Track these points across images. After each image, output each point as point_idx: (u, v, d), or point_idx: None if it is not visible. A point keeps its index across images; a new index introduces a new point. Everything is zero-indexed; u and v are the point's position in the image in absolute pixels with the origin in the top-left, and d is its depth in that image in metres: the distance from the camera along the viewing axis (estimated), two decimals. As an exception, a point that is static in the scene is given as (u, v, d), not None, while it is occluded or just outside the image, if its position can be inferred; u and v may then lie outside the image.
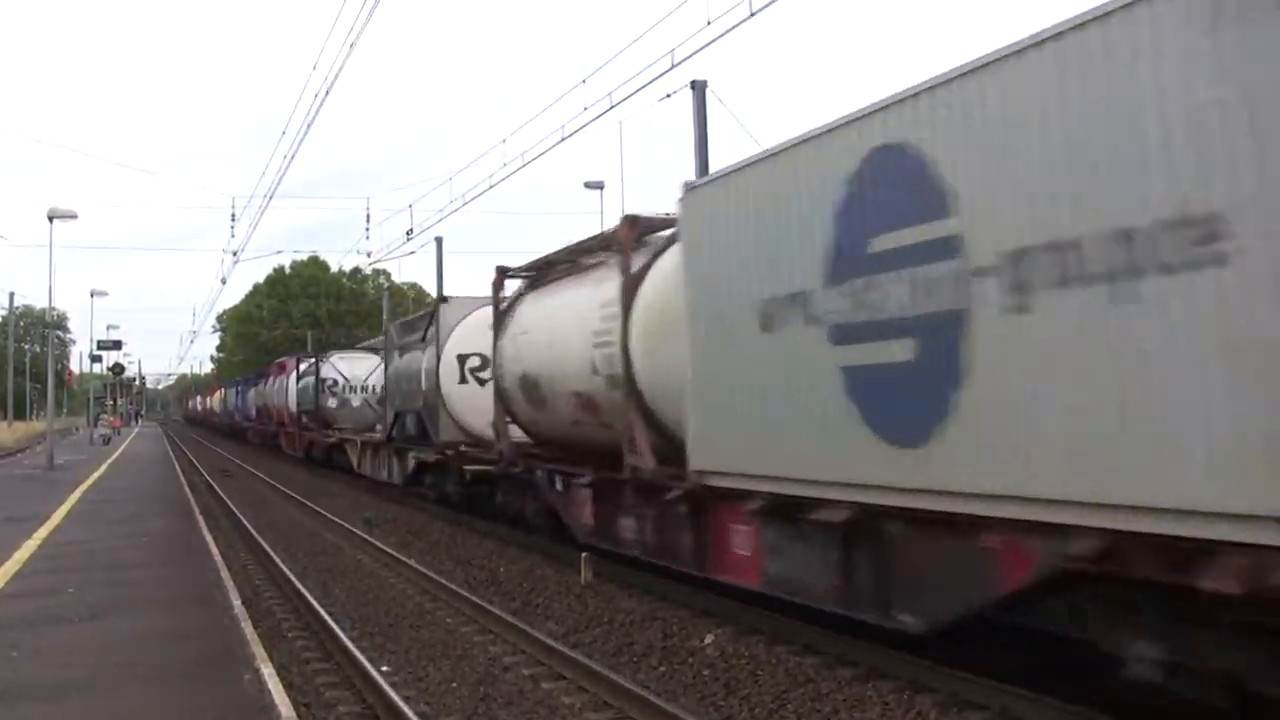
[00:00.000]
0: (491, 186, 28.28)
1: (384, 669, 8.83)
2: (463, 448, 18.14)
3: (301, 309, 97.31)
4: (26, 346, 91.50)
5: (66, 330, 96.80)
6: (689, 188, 10.28)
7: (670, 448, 10.66)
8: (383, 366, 26.14)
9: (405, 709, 7.44)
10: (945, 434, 6.92)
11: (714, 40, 14.95)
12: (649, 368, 11.06)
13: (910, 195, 7.20)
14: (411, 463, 21.60)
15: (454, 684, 8.64)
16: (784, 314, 8.57)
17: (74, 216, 32.48)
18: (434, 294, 42.37)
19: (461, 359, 18.16)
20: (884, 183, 7.50)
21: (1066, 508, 6.11)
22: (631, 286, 11.48)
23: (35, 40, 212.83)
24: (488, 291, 16.78)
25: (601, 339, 12.09)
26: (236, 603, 10.59)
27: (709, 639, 9.58)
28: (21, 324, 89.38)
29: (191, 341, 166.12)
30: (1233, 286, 5.23)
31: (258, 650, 8.54)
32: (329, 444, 31.94)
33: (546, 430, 14.71)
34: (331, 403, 32.87)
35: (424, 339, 20.49)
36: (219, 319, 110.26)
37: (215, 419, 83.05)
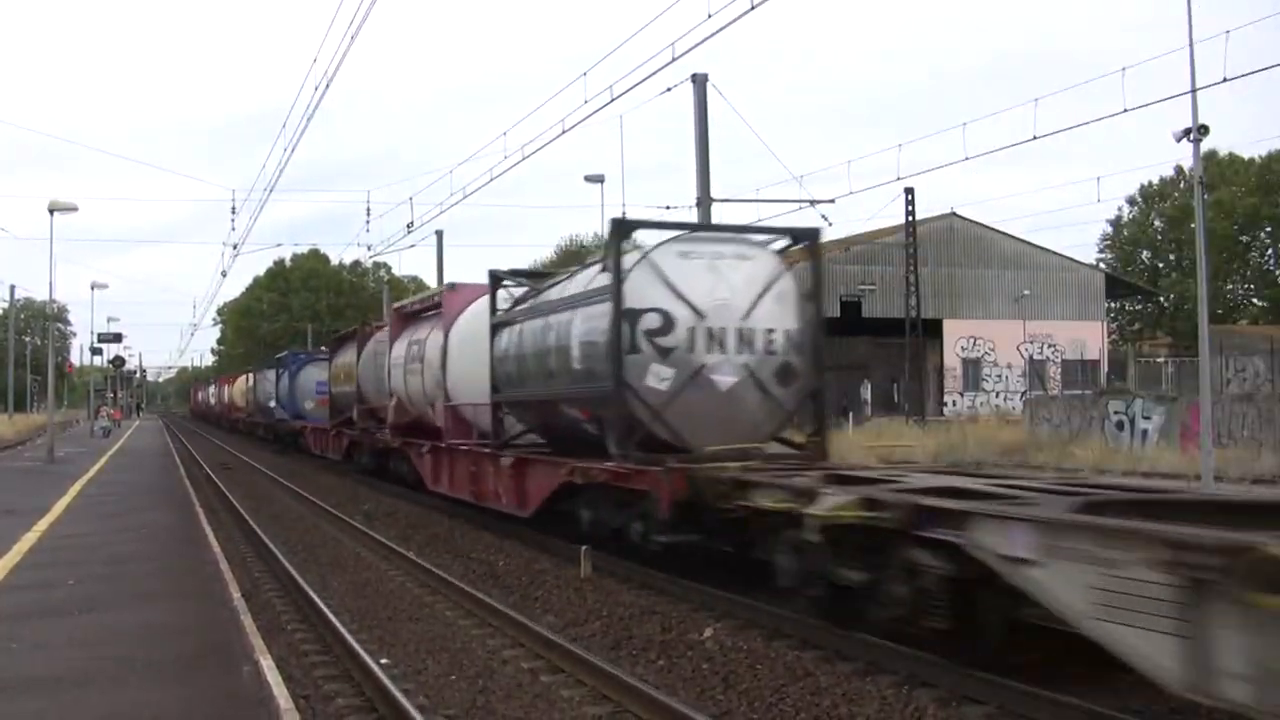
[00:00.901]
0: (492, 179, 28.38)
1: (383, 662, 8.82)
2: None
3: (302, 302, 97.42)
4: (27, 339, 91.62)
5: (67, 323, 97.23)
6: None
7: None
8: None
9: (404, 702, 7.44)
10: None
11: (715, 33, 15.01)
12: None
13: None
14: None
15: (453, 677, 8.64)
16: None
17: (74, 209, 32.44)
18: (434, 286, 42.47)
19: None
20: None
21: None
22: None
23: (36, 33, 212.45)
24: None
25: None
26: (235, 595, 10.59)
27: (708, 633, 9.59)
28: (22, 316, 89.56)
29: (192, 334, 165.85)
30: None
31: (256, 643, 8.54)
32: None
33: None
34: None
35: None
36: (219, 312, 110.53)
37: (237, 416, 62.72)
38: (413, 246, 59.43)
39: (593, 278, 13.51)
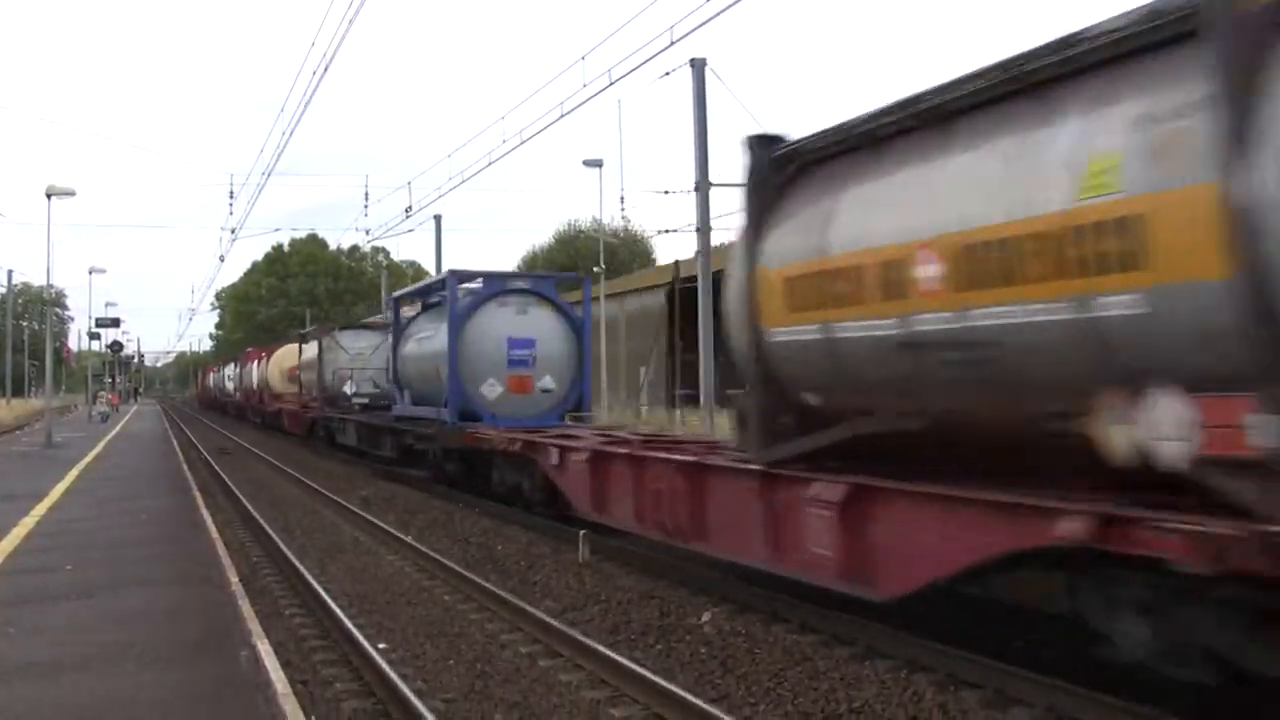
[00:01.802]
0: (491, 163, 28.35)
1: (381, 646, 8.83)
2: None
3: (300, 287, 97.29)
4: (25, 324, 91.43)
5: (65, 308, 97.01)
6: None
7: None
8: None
9: (402, 686, 7.44)
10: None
11: (713, 17, 14.93)
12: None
13: None
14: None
15: (451, 661, 8.64)
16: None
17: (72, 194, 32.35)
18: (433, 272, 42.37)
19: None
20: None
21: None
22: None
23: (34, 17, 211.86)
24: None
25: None
26: (234, 580, 10.59)
27: (706, 617, 9.59)
28: (20, 301, 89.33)
29: (190, 319, 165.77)
30: None
31: (254, 627, 8.54)
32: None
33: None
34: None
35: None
36: (217, 297, 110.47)
37: (280, 408, 41.93)
38: (411, 231, 59.32)
39: None
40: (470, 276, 20.43)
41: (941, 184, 7.16)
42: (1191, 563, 5.39)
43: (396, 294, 25.80)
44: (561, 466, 13.72)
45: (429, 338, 21.40)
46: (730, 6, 14.58)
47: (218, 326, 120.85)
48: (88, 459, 27.23)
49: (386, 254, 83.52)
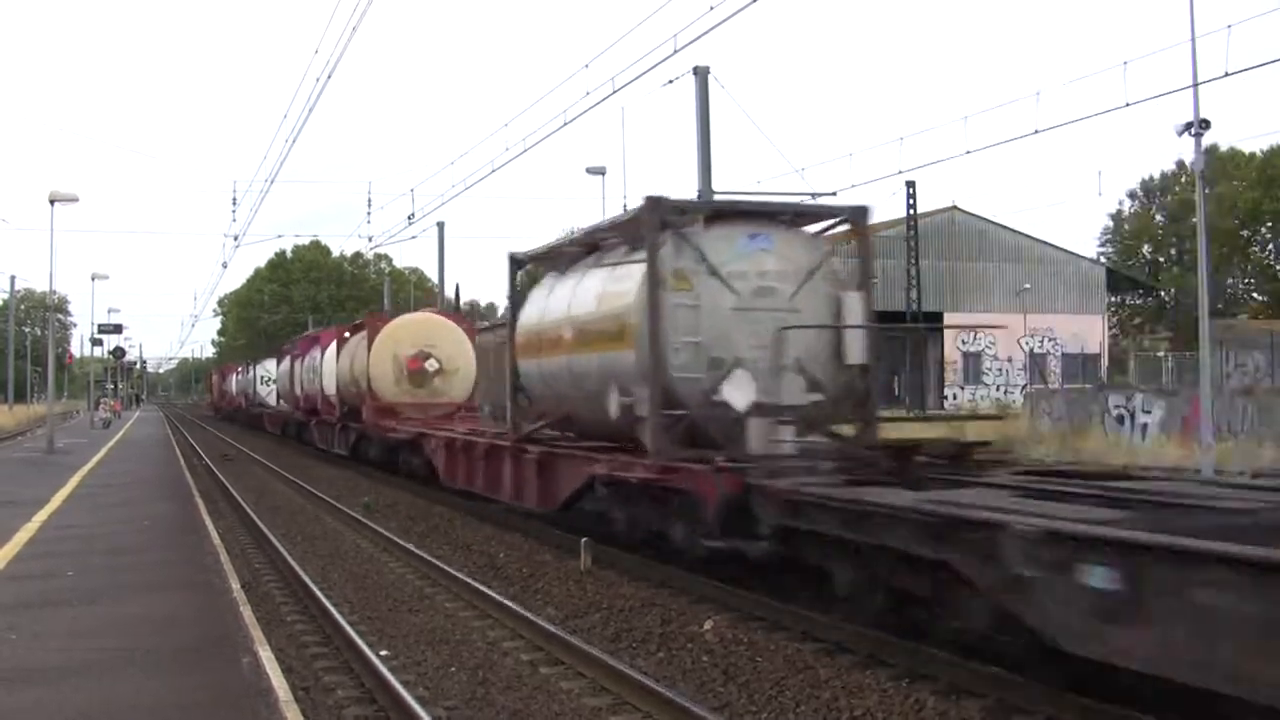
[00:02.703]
0: (494, 171, 28.37)
1: (383, 653, 8.82)
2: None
3: (302, 293, 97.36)
4: (27, 330, 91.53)
5: (67, 314, 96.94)
6: None
7: None
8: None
9: (404, 693, 7.43)
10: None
11: (717, 25, 14.99)
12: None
13: None
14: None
15: (452, 668, 8.63)
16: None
17: (75, 200, 32.44)
18: (435, 279, 42.41)
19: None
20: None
21: None
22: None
23: (36, 23, 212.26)
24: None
25: None
26: (235, 586, 10.59)
27: (708, 625, 9.58)
28: (22, 307, 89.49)
29: (193, 325, 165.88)
30: None
31: (256, 634, 8.53)
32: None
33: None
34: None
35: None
36: (220, 303, 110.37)
37: (375, 424, 25.68)
38: (414, 238, 59.09)
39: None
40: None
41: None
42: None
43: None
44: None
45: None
46: (734, 15, 14.63)
47: (220, 333, 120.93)
48: (90, 465, 27.23)
49: (389, 261, 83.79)
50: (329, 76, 19.55)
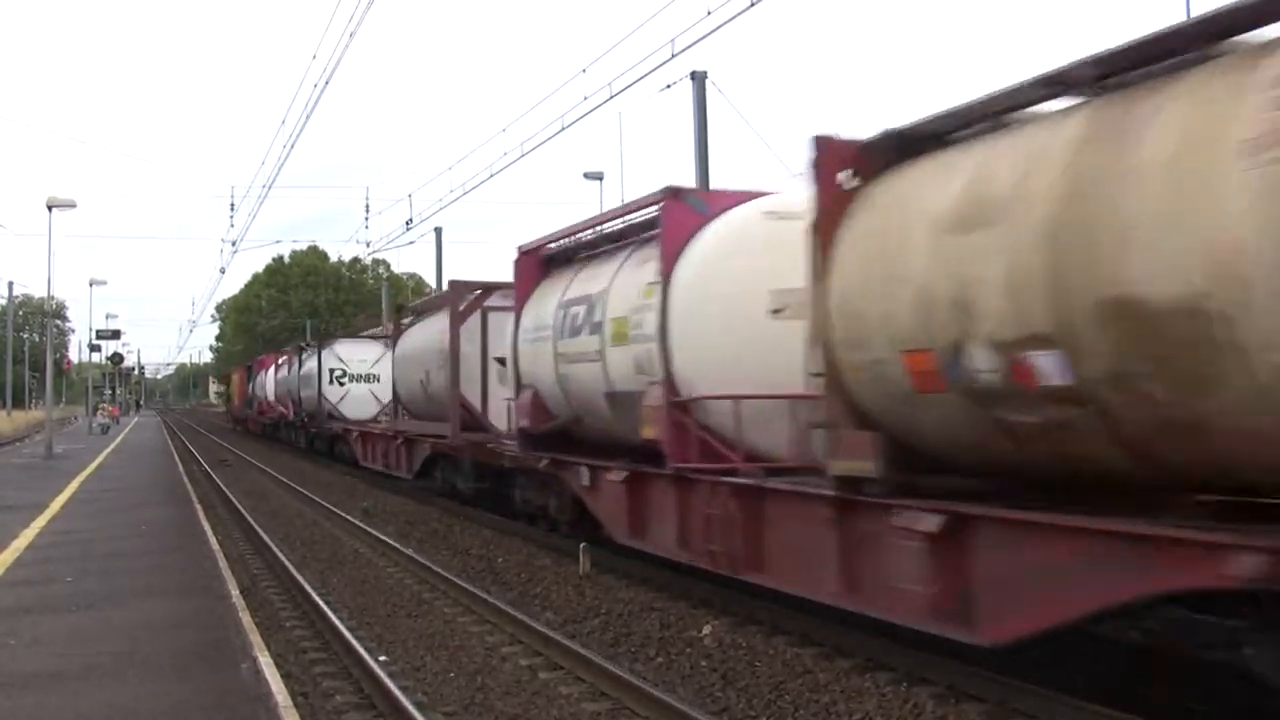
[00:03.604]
0: (491, 176, 28.35)
1: (381, 659, 8.82)
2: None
3: (300, 299, 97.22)
4: (25, 335, 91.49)
5: (65, 319, 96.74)
6: None
7: None
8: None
9: (402, 698, 7.44)
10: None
11: (714, 30, 14.96)
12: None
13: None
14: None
15: (451, 674, 8.63)
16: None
17: (73, 206, 32.43)
18: (434, 284, 42.40)
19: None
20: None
21: None
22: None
23: (35, 29, 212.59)
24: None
25: None
26: (234, 592, 10.58)
27: (706, 630, 9.58)
28: (20, 313, 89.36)
29: (191, 331, 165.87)
30: None
31: (255, 639, 8.54)
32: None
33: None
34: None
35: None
36: (218, 309, 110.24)
37: None
38: (412, 243, 59.40)
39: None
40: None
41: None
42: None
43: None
44: None
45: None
46: (731, 20, 14.62)
47: (218, 339, 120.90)
48: (88, 470, 27.23)
49: (387, 266, 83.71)
50: (327, 82, 19.59)
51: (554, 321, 13.09)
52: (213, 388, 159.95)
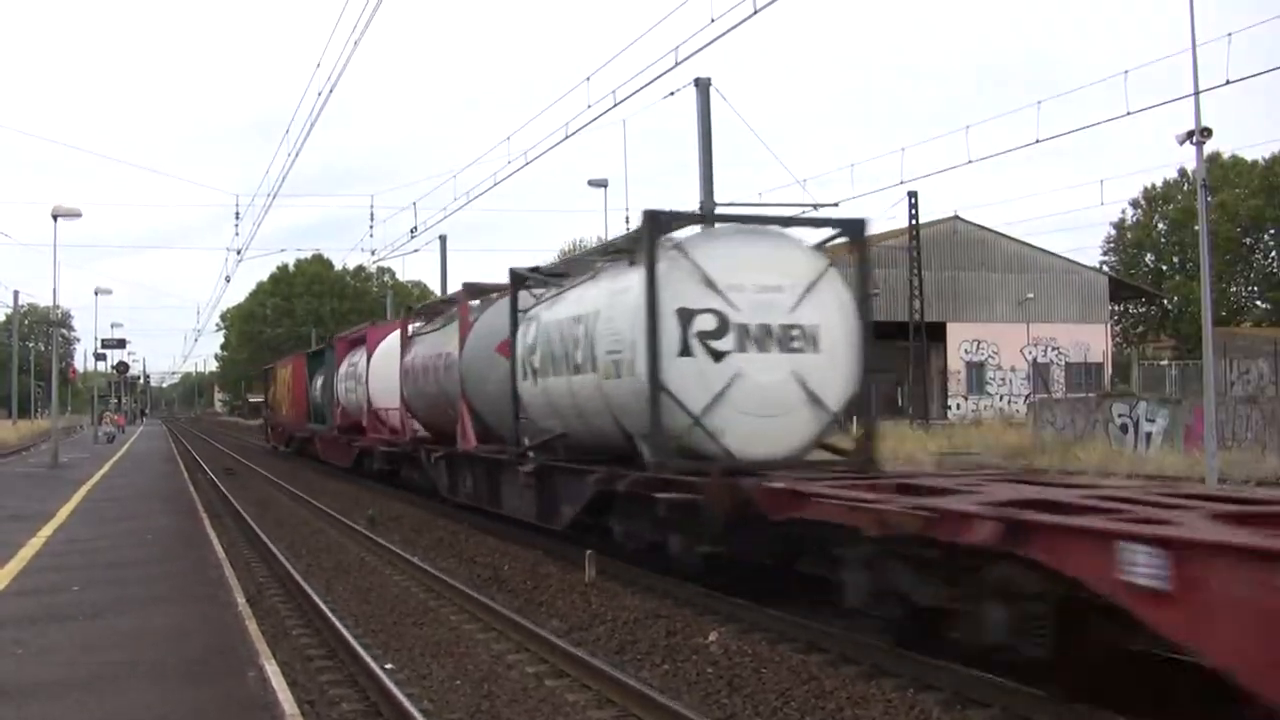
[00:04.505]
0: (496, 184, 28.31)
1: (388, 666, 8.82)
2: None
3: (305, 307, 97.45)
4: (30, 345, 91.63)
5: (70, 328, 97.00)
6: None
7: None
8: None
9: (409, 706, 7.44)
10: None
11: (718, 38, 15.04)
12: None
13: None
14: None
15: (457, 682, 8.63)
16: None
17: (78, 215, 32.49)
18: (438, 292, 42.44)
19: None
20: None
21: None
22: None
23: (39, 37, 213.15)
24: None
25: None
26: (240, 600, 10.60)
27: (712, 637, 9.58)
28: (26, 322, 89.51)
29: (196, 340, 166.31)
30: None
31: (261, 647, 8.55)
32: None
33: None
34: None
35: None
36: (223, 317, 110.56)
37: None
38: (416, 251, 59.35)
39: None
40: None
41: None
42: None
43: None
44: None
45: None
46: (736, 27, 14.67)
47: (223, 347, 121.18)
48: (94, 479, 27.27)
49: (392, 274, 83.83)
50: (331, 90, 19.65)
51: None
52: (218, 396, 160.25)
